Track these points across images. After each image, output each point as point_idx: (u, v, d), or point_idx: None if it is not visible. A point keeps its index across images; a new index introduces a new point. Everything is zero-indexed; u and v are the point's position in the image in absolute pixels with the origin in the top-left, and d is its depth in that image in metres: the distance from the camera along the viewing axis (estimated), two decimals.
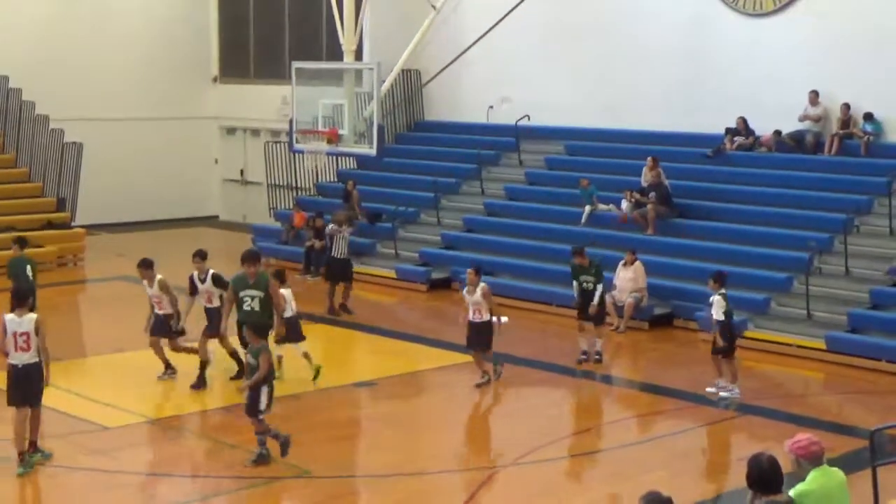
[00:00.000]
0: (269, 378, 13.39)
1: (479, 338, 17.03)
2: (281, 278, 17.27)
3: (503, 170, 27.70)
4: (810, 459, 8.20)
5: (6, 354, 13.13)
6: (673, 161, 24.36)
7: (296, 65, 26.06)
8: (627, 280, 20.80)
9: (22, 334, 13.00)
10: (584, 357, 18.48)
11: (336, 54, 28.46)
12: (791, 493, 7.97)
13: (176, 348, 16.96)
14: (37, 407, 13.37)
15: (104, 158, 31.50)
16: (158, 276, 16.86)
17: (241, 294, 15.52)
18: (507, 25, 27.27)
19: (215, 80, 35.57)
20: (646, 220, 23.15)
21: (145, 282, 16.91)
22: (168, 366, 16.98)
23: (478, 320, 16.94)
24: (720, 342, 16.55)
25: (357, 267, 24.71)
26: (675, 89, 25.54)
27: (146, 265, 17.01)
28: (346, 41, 26.64)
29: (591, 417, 16.24)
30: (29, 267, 19.23)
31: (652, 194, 23.30)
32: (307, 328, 17.68)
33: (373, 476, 13.67)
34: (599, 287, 18.52)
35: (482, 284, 17.01)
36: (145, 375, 17.20)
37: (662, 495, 7.55)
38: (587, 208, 24.08)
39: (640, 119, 25.93)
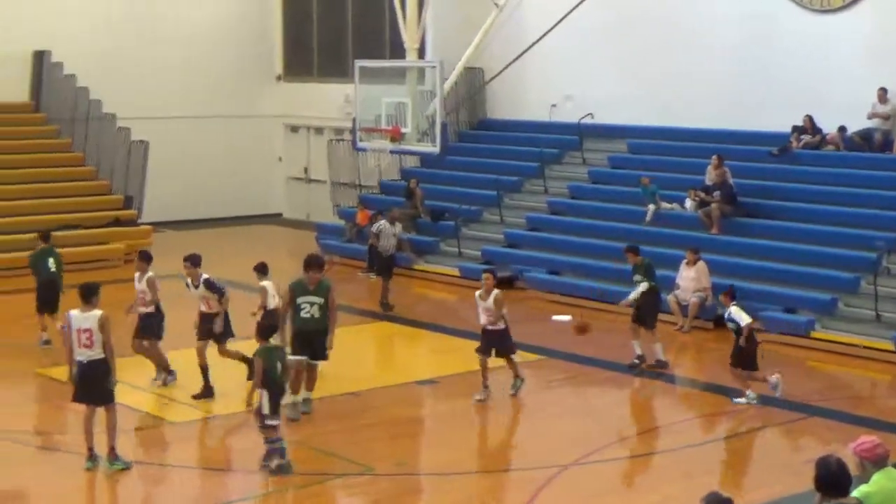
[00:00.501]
0: (267, 382, 12.94)
1: (500, 344, 16.30)
2: (263, 270, 17.55)
3: (566, 168, 27.61)
4: (875, 462, 8.10)
5: (70, 351, 13.10)
6: (738, 159, 24.15)
7: (359, 63, 26.11)
8: (690, 280, 20.65)
9: (85, 331, 12.90)
10: (636, 361, 18.11)
11: (399, 52, 28.48)
12: (854, 494, 7.87)
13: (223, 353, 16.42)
14: (105, 405, 13.16)
15: (170, 156, 31.80)
16: (149, 273, 16.65)
17: (300, 300, 14.99)
18: (571, 22, 27.16)
19: (279, 78, 35.76)
20: (710, 219, 22.97)
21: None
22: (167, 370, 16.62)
23: (491, 327, 16.27)
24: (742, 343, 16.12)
25: (420, 265, 24.81)
26: (740, 86, 25.31)
27: (145, 258, 16.98)
28: (409, 39, 26.66)
29: (655, 417, 16.14)
30: (52, 260, 19.34)
31: (717, 193, 23.11)
32: (370, 326, 17.74)
33: (434, 474, 13.67)
34: (641, 286, 18.20)
35: (496, 291, 16.29)
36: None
37: (723, 496, 7.49)
38: (651, 207, 23.93)
39: (705, 117, 25.72)
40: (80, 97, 30.27)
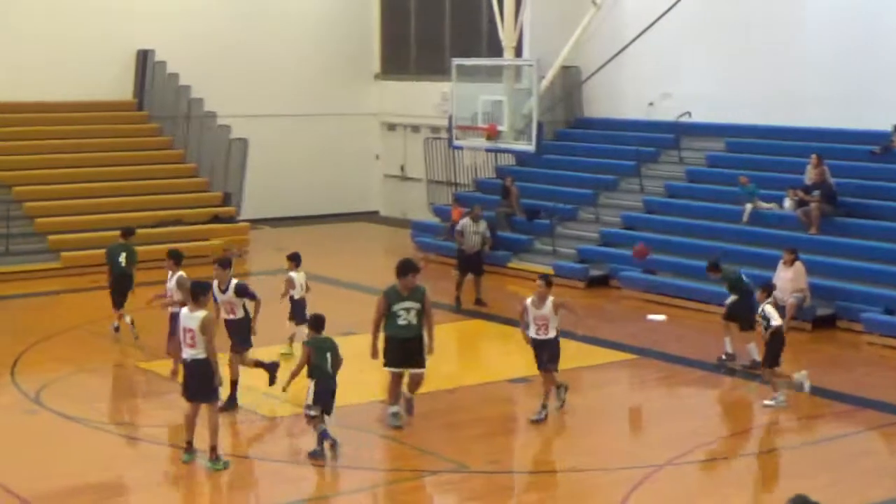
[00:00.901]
0: (316, 373, 13.35)
1: (550, 355, 15.38)
2: (296, 261, 18.26)
3: (663, 167, 27.45)
4: None
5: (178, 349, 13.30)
6: (838, 158, 23.83)
7: (456, 61, 26.23)
8: (788, 280, 20.41)
9: (189, 330, 13.01)
10: (724, 358, 18.12)
11: (496, 51, 28.55)
12: None
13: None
14: (207, 403, 13.26)
15: (268, 154, 32.21)
16: (179, 273, 16.77)
17: (396, 307, 14.52)
18: (668, 20, 26.96)
19: (377, 76, 35.99)
20: (809, 218, 22.69)
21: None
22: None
23: (542, 337, 15.27)
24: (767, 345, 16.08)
25: (514, 263, 24.83)
26: (841, 84, 24.95)
27: (174, 258, 17.17)
28: (506, 37, 26.72)
29: (750, 418, 16.00)
30: (124, 255, 19.70)
31: (816, 192, 22.82)
32: (463, 324, 17.79)
33: (528, 472, 13.71)
34: (730, 297, 18.45)
35: (551, 298, 15.19)
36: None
37: (810, 499, 7.42)
38: (748, 206, 23.70)
39: (804, 115, 25.39)
40: (181, 96, 30.78)
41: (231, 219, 29.03)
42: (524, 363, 19.11)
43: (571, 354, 19.04)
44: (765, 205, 23.79)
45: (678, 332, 20.64)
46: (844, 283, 21.05)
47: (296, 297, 18.12)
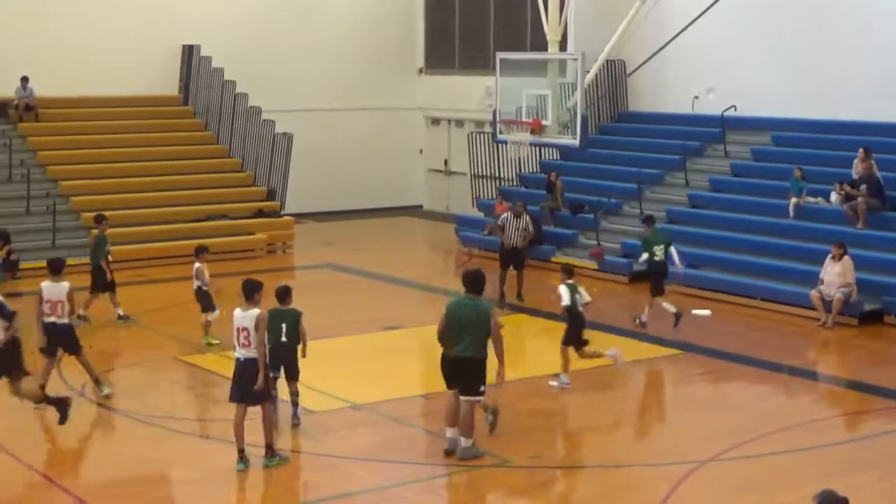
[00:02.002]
0: (268, 340, 13.68)
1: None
2: (199, 253, 18.54)
3: (708, 161, 27.29)
4: None
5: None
6: (887, 152, 23.59)
7: (500, 55, 26.19)
8: (836, 275, 20.24)
9: (243, 329, 12.84)
10: (674, 315, 19.82)
11: (540, 45, 28.49)
12: None
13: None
14: (260, 404, 13.14)
15: (312, 149, 32.30)
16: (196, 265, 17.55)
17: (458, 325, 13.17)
18: (714, 13, 26.85)
19: (421, 71, 36.01)
20: (856, 213, 22.48)
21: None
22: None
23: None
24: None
25: (558, 257, 24.73)
26: (889, 77, 24.69)
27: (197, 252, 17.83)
28: (551, 31, 26.65)
29: (795, 414, 15.86)
30: (96, 245, 20.23)
31: (863, 187, 22.61)
32: (506, 318, 17.69)
33: (571, 467, 13.67)
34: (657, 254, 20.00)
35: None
36: (350, 361, 17.61)
37: (838, 495, 7.35)
38: (794, 200, 23.51)
39: (852, 108, 25.16)
40: (226, 91, 30.91)
41: (275, 213, 29.12)
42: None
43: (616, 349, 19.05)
44: (811, 199, 23.60)
45: (723, 327, 20.52)
46: (892, 278, 20.85)
47: (205, 287, 18.59)
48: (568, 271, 16.61)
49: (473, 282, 13.33)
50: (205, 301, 18.70)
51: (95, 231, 20.82)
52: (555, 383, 16.37)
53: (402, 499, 12.59)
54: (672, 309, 19.96)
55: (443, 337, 13.15)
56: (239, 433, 13.06)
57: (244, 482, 13.09)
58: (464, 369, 13.07)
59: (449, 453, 13.24)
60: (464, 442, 13.14)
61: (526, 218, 22.73)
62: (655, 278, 20.23)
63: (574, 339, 16.42)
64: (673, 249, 20.35)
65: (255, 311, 12.89)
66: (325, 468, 13.35)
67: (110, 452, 13.93)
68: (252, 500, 12.78)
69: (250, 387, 12.92)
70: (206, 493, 12.62)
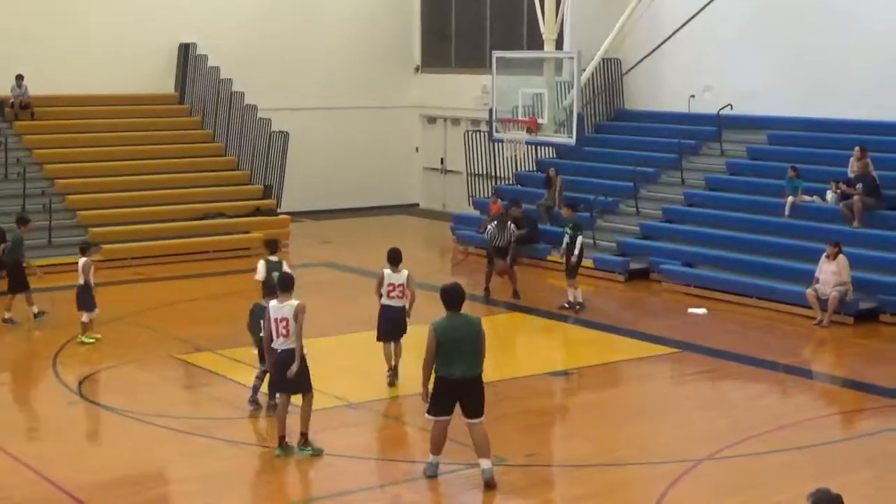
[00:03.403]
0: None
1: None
2: (86, 249, 18.76)
3: (704, 159, 27.30)
4: None
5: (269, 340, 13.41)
6: (883, 151, 23.63)
7: (496, 54, 26.17)
8: (831, 273, 20.25)
9: (282, 319, 13.14)
10: (566, 305, 21.11)
11: (536, 43, 28.48)
12: None
13: None
14: (299, 394, 13.46)
15: (308, 147, 32.35)
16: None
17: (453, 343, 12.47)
18: (710, 12, 26.84)
19: (417, 69, 36.02)
20: (852, 211, 22.50)
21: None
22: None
23: None
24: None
25: (554, 255, 24.74)
26: (885, 76, 24.71)
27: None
28: (547, 30, 26.65)
29: (792, 413, 15.87)
30: (14, 246, 20.38)
31: (859, 185, 22.63)
32: (504, 316, 17.72)
33: (568, 465, 13.67)
34: (578, 241, 21.16)
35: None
36: (345, 360, 17.61)
37: (832, 493, 7.36)
38: (790, 199, 23.53)
39: (848, 107, 25.18)
40: (223, 89, 30.91)
41: (272, 211, 29.12)
42: (565, 356, 19.18)
43: (611, 347, 19.10)
44: (807, 198, 23.62)
45: (719, 325, 20.54)
46: (887, 276, 20.88)
47: (86, 283, 18.62)
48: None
49: (454, 298, 12.54)
50: (86, 299, 18.67)
51: (15, 233, 20.73)
52: None
53: (398, 497, 12.60)
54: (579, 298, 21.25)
55: (432, 360, 12.34)
56: (281, 421, 13.43)
57: (240, 480, 13.10)
58: (471, 390, 12.41)
59: (431, 477, 12.70)
60: (485, 463, 12.46)
61: (511, 226, 22.91)
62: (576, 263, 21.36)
63: None
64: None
65: (294, 303, 13.21)
66: (321, 466, 13.34)
67: (106, 451, 13.92)
68: (248, 498, 12.77)
69: (294, 375, 13.27)
70: (202, 491, 12.61)
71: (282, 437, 13.45)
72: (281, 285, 13.42)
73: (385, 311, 16.31)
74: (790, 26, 26.52)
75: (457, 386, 12.34)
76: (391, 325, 16.32)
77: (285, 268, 15.66)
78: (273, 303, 13.35)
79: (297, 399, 13.53)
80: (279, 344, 13.22)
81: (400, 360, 16.38)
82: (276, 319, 13.18)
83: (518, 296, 22.31)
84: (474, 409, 12.40)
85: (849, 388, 16.90)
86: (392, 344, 16.41)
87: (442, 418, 12.52)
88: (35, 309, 20.33)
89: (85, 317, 18.69)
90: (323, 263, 26.32)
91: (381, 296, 16.26)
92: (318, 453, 13.46)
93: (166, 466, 13.56)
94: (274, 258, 16.40)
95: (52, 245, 24.96)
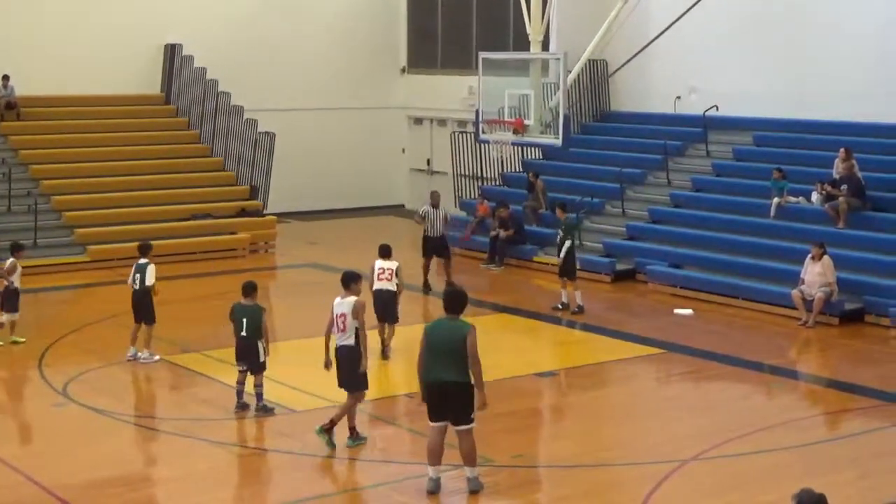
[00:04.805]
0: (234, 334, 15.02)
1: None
2: (17, 250, 18.82)
3: (690, 161, 27.35)
4: None
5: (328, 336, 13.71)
6: (868, 152, 23.71)
7: (483, 55, 26.16)
8: (816, 274, 20.31)
9: (341, 315, 13.41)
10: (560, 307, 21.26)
11: (523, 44, 28.48)
12: None
13: None
14: (351, 392, 13.67)
15: (294, 148, 32.31)
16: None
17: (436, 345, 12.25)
18: (696, 14, 26.89)
19: (403, 70, 36.01)
20: (837, 213, 22.56)
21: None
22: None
23: None
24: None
25: (541, 256, 24.80)
26: (870, 78, 24.79)
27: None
28: (533, 31, 26.65)
29: (777, 413, 15.92)
30: None
31: (844, 187, 22.70)
32: (489, 317, 17.70)
33: (554, 466, 13.69)
34: (566, 244, 21.11)
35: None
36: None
37: (815, 492, 7.40)
38: (775, 200, 23.59)
39: (833, 109, 25.23)
40: (209, 90, 30.86)
41: (258, 212, 29.08)
42: (551, 357, 19.21)
43: (598, 348, 19.13)
44: (792, 199, 23.68)
45: (705, 326, 20.58)
46: (872, 277, 20.95)
47: (16, 284, 18.52)
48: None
49: (452, 301, 12.33)
50: (11, 301, 18.57)
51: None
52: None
53: (387, 498, 12.60)
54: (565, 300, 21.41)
55: (421, 362, 12.17)
56: (350, 415, 13.76)
57: (225, 481, 13.09)
58: (449, 395, 11.98)
59: (431, 493, 12.23)
60: (470, 472, 12.28)
61: (444, 208, 23.69)
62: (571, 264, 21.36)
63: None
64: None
65: (353, 299, 13.48)
66: (309, 467, 13.34)
67: (92, 452, 13.88)
68: (235, 500, 12.76)
69: (346, 372, 13.55)
70: (189, 492, 12.61)
71: (352, 429, 13.74)
72: (344, 281, 13.74)
73: (376, 295, 17.38)
74: (776, 28, 26.58)
75: (436, 390, 12.04)
76: (382, 307, 17.47)
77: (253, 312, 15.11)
78: (336, 300, 13.63)
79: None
80: (337, 339, 13.51)
81: (392, 340, 17.60)
82: (336, 315, 13.46)
83: (452, 285, 22.13)
84: (455, 416, 12.05)
85: (834, 389, 16.95)
86: (385, 325, 17.61)
87: (434, 424, 12.20)
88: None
89: (10, 318, 18.60)
90: (309, 264, 26.30)
91: (371, 284, 17.17)
92: (358, 443, 13.73)
93: (152, 467, 13.56)
94: (247, 302, 15.14)
95: (37, 246, 24.88)
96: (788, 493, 7.46)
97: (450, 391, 11.96)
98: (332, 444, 13.55)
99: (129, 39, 30.98)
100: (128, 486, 12.77)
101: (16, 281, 18.59)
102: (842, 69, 25.28)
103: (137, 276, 17.57)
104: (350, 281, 13.71)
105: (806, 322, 20.21)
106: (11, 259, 18.74)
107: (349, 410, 13.73)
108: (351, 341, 13.43)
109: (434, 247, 23.31)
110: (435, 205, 23.39)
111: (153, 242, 21.89)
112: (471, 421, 12.08)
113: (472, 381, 11.97)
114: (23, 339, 18.67)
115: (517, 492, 12.76)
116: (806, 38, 25.99)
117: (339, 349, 13.58)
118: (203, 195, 28.84)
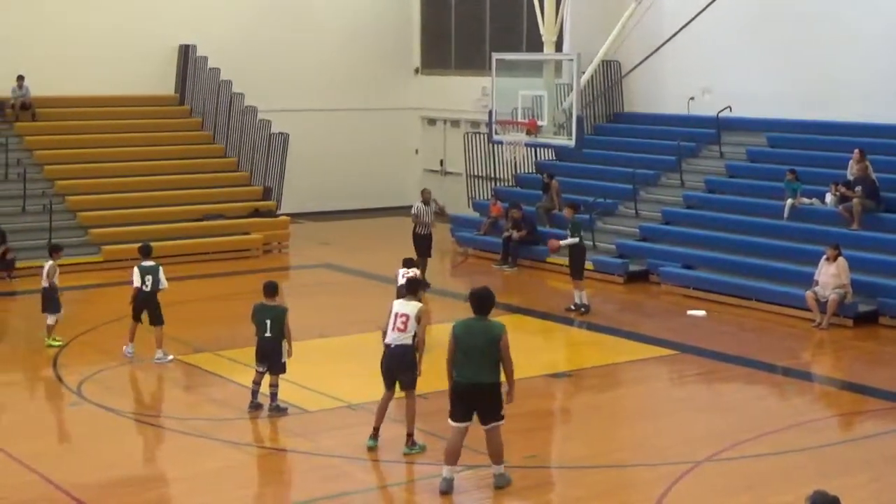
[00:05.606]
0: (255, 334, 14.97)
1: None
2: (54, 251, 18.89)
3: (703, 162, 27.33)
4: None
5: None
6: (882, 153, 23.66)
7: (496, 56, 26.20)
8: (830, 276, 20.27)
9: (402, 315, 13.37)
10: (572, 307, 21.28)
11: (536, 45, 28.51)
12: None
13: None
14: (405, 392, 13.58)
15: (308, 149, 32.37)
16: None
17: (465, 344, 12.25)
18: (709, 14, 26.87)
19: (417, 71, 36.04)
20: (851, 214, 22.52)
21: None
22: None
23: None
24: None
25: (554, 258, 24.77)
26: (884, 79, 24.74)
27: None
28: (547, 32, 26.67)
29: (790, 415, 15.91)
30: None
31: (858, 188, 22.65)
32: (504, 318, 17.66)
33: (568, 467, 13.70)
34: (569, 240, 21.30)
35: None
36: (346, 361, 17.62)
37: (828, 494, 7.39)
38: (789, 202, 23.55)
39: (848, 110, 25.20)
40: (223, 90, 30.93)
41: (271, 213, 29.13)
42: (565, 358, 19.21)
43: (610, 349, 19.12)
44: (806, 200, 23.65)
45: (718, 327, 20.56)
46: (887, 279, 20.90)
47: (54, 287, 18.66)
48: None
49: (481, 302, 12.29)
50: (52, 302, 18.65)
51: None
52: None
53: (398, 499, 12.64)
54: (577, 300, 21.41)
55: (451, 362, 12.18)
56: (379, 411, 13.72)
57: (238, 481, 13.11)
58: (480, 396, 12.09)
59: (444, 493, 12.27)
60: (496, 468, 12.42)
61: (433, 203, 23.98)
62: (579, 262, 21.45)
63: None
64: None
65: (419, 304, 13.53)
66: (321, 468, 13.36)
67: (107, 451, 13.93)
68: (247, 500, 12.78)
69: (396, 372, 13.48)
70: (202, 491, 12.64)
71: (375, 429, 13.69)
72: (408, 287, 13.92)
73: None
74: (789, 29, 26.54)
75: (466, 391, 12.11)
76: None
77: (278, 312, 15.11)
78: (397, 301, 13.69)
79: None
80: (392, 338, 13.42)
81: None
82: (396, 314, 13.42)
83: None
84: (485, 415, 12.19)
85: (847, 391, 16.93)
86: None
87: (456, 424, 12.23)
88: None
89: (53, 319, 18.67)
90: (322, 265, 26.34)
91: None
92: (419, 450, 13.56)
93: (166, 467, 13.59)
94: (270, 302, 15.15)
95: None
96: (802, 494, 7.46)
97: (483, 392, 12.11)
98: (422, 447, 13.59)
99: (144, 40, 31.07)
100: (142, 485, 12.82)
101: (52, 283, 18.62)
102: (856, 70, 25.24)
103: (148, 277, 17.57)
104: (417, 287, 13.95)
105: (819, 324, 20.18)
106: (50, 262, 18.77)
107: (413, 411, 13.60)
108: (409, 341, 13.36)
109: (423, 245, 23.53)
110: (426, 201, 23.59)
111: (167, 243, 22.08)
112: (501, 417, 12.25)
113: (499, 381, 12.18)
114: (59, 342, 18.62)
115: (530, 493, 12.77)
116: (820, 39, 25.94)
117: (392, 347, 13.45)
118: (217, 195, 28.91)
